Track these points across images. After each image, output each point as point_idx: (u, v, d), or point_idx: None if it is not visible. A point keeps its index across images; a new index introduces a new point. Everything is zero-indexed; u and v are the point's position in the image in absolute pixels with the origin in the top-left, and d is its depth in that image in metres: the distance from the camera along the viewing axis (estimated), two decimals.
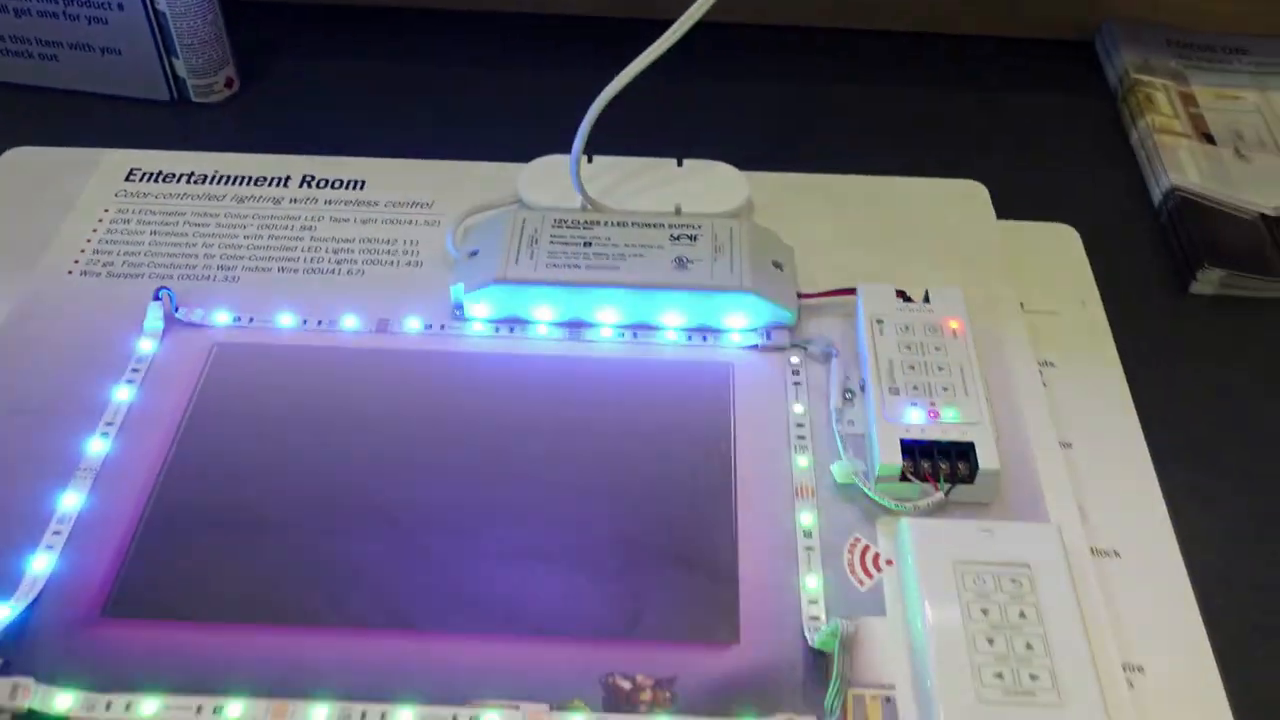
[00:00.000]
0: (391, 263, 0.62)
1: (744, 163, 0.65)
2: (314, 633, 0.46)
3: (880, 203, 0.65)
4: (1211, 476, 0.54)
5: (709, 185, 0.63)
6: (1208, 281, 0.62)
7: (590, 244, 0.58)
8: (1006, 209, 0.65)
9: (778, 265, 0.58)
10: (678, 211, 0.61)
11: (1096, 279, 0.62)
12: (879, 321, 0.55)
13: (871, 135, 0.74)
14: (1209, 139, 0.69)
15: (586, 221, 0.59)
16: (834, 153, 0.70)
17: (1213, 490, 0.53)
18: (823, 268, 0.61)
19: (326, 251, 0.62)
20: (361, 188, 0.66)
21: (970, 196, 0.65)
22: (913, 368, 0.53)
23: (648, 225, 0.59)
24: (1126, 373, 0.57)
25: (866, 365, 0.53)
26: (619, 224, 0.59)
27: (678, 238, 0.58)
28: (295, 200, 0.65)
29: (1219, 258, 0.62)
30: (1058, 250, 0.64)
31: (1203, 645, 0.47)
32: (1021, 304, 0.60)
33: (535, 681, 0.44)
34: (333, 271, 0.61)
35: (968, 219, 0.64)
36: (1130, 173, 0.70)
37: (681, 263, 0.57)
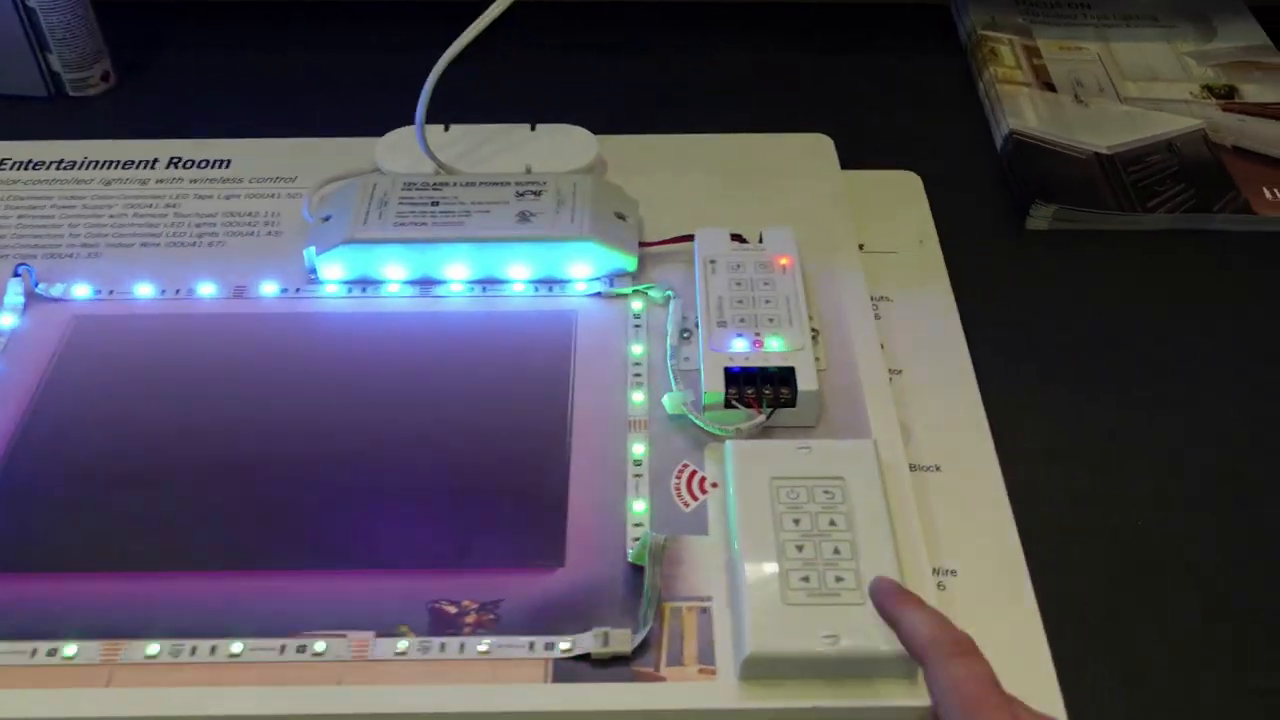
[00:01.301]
0: (252, 233, 0.63)
1: (600, 128, 0.67)
2: (152, 577, 0.47)
3: (729, 159, 0.67)
4: (1035, 396, 0.56)
5: (560, 147, 0.65)
6: (1040, 217, 0.64)
7: (438, 204, 0.60)
8: (856, 160, 0.68)
9: (621, 216, 0.60)
10: (528, 171, 0.63)
11: (938, 220, 0.64)
12: (712, 262, 0.57)
13: (730, 98, 0.76)
14: (1050, 87, 0.72)
15: (435, 184, 0.61)
16: (690, 117, 0.72)
17: (1036, 409, 0.55)
18: (672, 221, 0.63)
19: (189, 226, 0.64)
20: (227, 166, 0.68)
21: (816, 149, 0.68)
22: (741, 302, 0.55)
23: (494, 184, 0.61)
24: (961, 304, 0.59)
25: (699, 302, 0.55)
26: (466, 184, 0.61)
27: (522, 194, 0.60)
28: (162, 181, 0.67)
29: (1052, 194, 0.64)
30: (901, 196, 0.66)
31: (1015, 551, 0.49)
32: (861, 245, 0.62)
33: (363, 612, 0.46)
34: (194, 244, 0.63)
35: (813, 170, 0.66)
36: (975, 122, 0.73)
37: (525, 216, 0.59)
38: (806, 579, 0.44)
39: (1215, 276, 0.63)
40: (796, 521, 0.46)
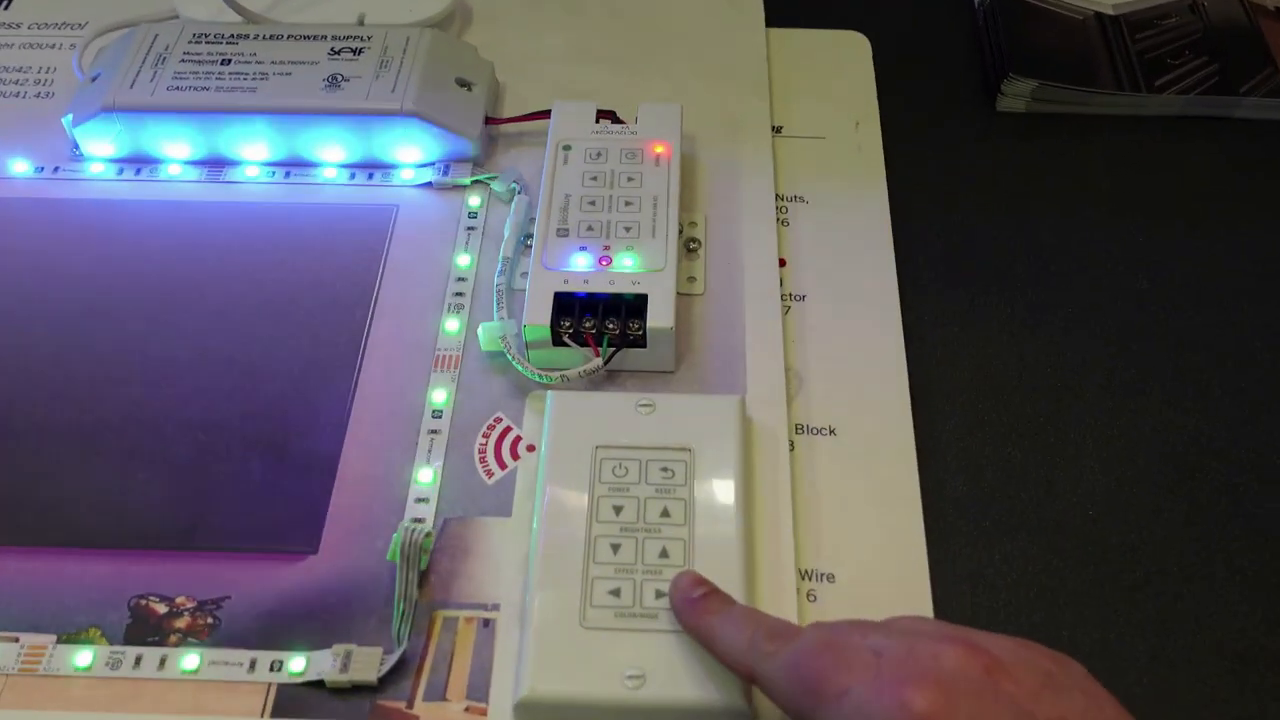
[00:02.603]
0: (18, 94, 0.51)
1: None
2: None
3: (627, 7, 0.53)
4: (973, 335, 0.43)
5: None
6: (1015, 95, 0.50)
7: (229, 61, 0.46)
8: (788, 13, 0.53)
9: (464, 84, 0.47)
10: (361, 23, 0.50)
11: (885, 97, 0.50)
12: (565, 148, 0.44)
13: None
14: None
15: (231, 35, 0.47)
16: None
17: (972, 354, 0.42)
18: (544, 89, 0.49)
19: None
20: (6, 8, 0.55)
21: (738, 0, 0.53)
22: (593, 204, 0.42)
23: (305, 38, 0.47)
24: (896, 208, 0.46)
25: (540, 201, 0.42)
26: (270, 37, 0.47)
27: (338, 51, 0.47)
28: None
29: (1032, 65, 0.50)
30: (840, 63, 0.52)
31: (917, 550, 0.37)
32: (779, 128, 0.49)
33: (47, 605, 0.35)
34: None
35: (730, 23, 0.52)
36: None
37: (334, 82, 0.46)
38: (616, 592, 0.33)
39: (1233, 180, 0.49)
40: (618, 510, 0.35)
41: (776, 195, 0.46)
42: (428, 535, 0.35)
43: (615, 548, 0.34)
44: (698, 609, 0.32)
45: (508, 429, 0.39)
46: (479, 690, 0.33)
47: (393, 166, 0.46)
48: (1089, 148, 0.49)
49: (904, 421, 0.40)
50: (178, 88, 0.46)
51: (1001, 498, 0.39)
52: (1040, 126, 0.50)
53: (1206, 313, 0.44)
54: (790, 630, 0.30)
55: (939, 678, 0.27)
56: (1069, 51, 0.51)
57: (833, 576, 0.36)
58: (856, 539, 0.37)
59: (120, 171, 0.47)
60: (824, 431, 0.39)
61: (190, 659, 0.34)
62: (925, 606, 0.35)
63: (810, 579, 0.36)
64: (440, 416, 0.39)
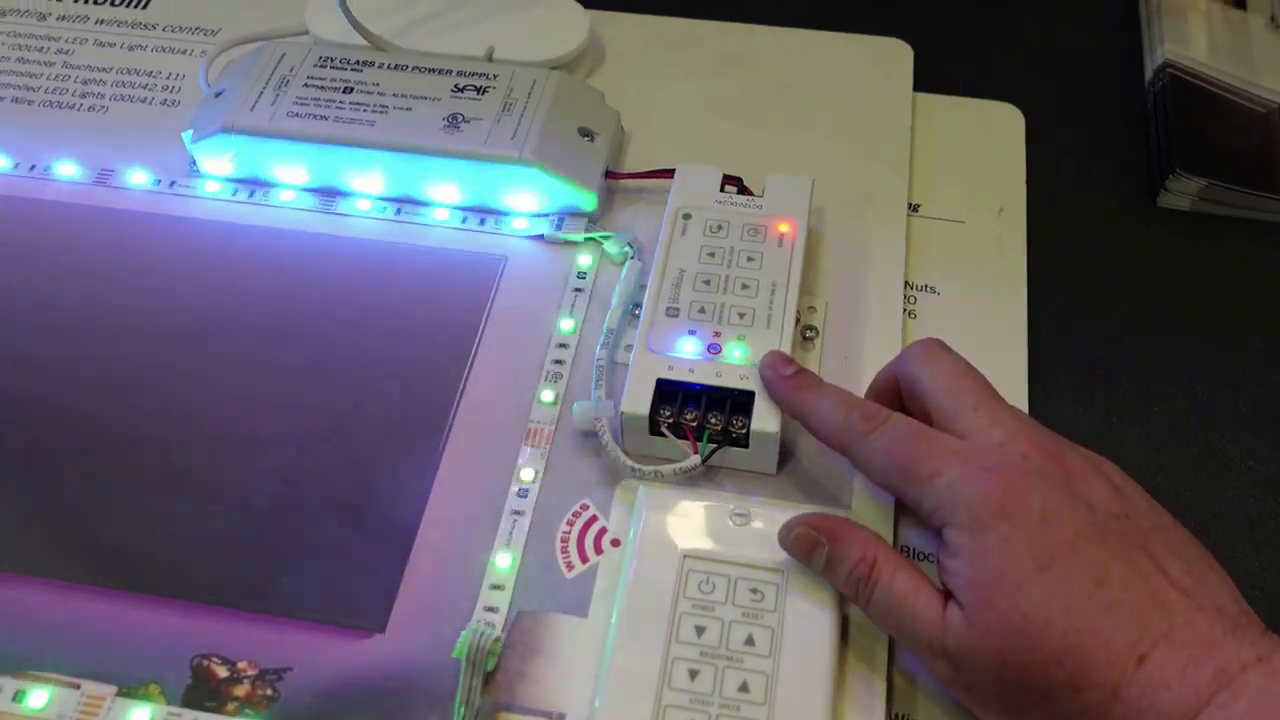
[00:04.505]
0: (145, 99, 0.50)
1: (599, 1, 0.51)
2: None
3: (767, 60, 0.50)
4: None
5: (539, 25, 0.49)
6: (1179, 193, 0.46)
7: (352, 90, 0.45)
8: (938, 82, 0.50)
9: (586, 134, 0.45)
10: (489, 57, 0.48)
11: (1034, 181, 0.47)
12: (686, 216, 0.41)
13: None
14: (1238, 3, 0.52)
15: (357, 61, 0.46)
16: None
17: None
18: (668, 142, 0.47)
19: (74, 83, 0.51)
20: (144, 7, 0.55)
21: (886, 58, 0.50)
22: (708, 282, 0.39)
23: (431, 70, 0.46)
24: (1035, 311, 0.42)
25: (653, 274, 0.40)
26: (396, 67, 0.46)
27: (462, 89, 0.45)
28: (64, 18, 0.54)
29: (1201, 162, 0.45)
30: (989, 138, 0.48)
31: None
32: (915, 206, 0.46)
33: (110, 652, 0.34)
34: (73, 106, 0.50)
35: (875, 87, 0.49)
36: (1122, 46, 0.53)
37: (454, 122, 0.44)
38: None
39: None
40: (700, 631, 0.32)
41: (905, 283, 0.43)
42: (496, 640, 0.33)
43: (693, 674, 0.32)
44: (792, 385, 0.36)
45: (593, 518, 0.37)
46: None
47: (505, 214, 0.45)
48: (1260, 258, 0.45)
49: None
50: (297, 114, 0.45)
51: None
52: (1204, 229, 0.46)
53: None
54: (883, 413, 0.34)
55: (1023, 469, 0.30)
56: (1245, 148, 0.46)
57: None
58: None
59: (234, 192, 0.46)
60: (931, 558, 0.37)
61: None
62: None
63: None
64: (525, 496, 0.37)
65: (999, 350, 0.41)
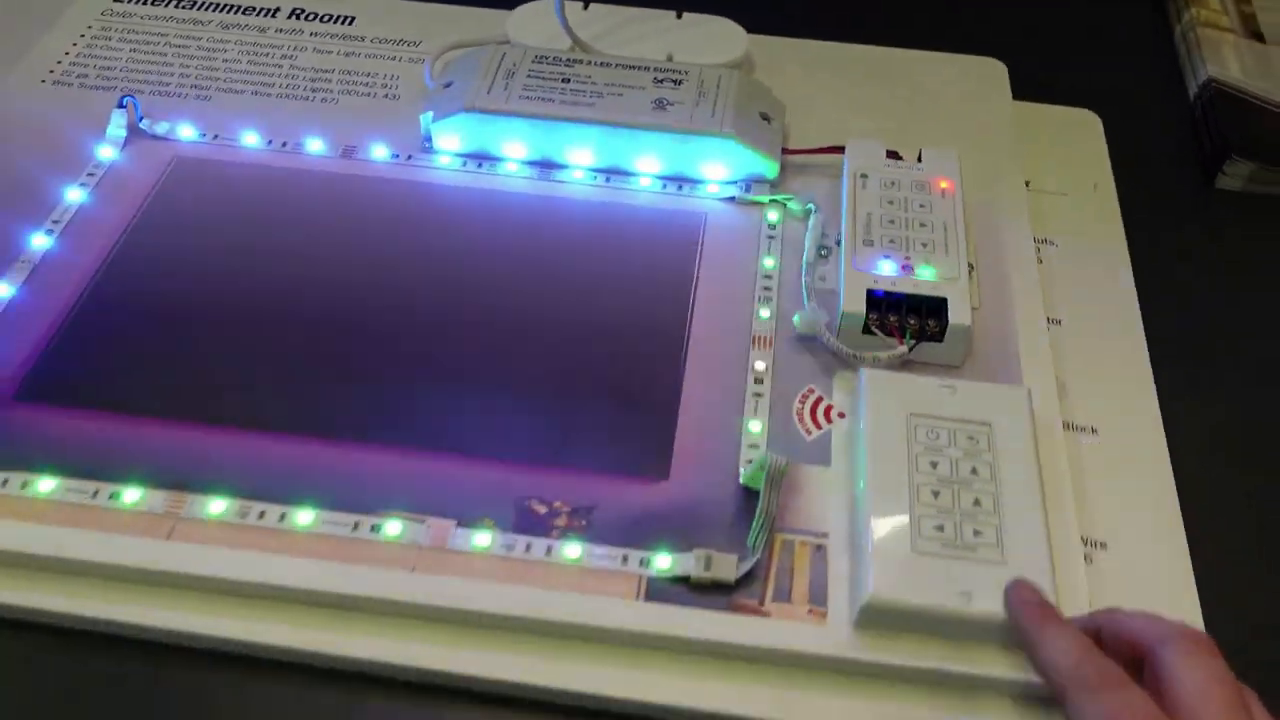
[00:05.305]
0: (369, 94, 0.59)
1: (752, 25, 0.61)
2: (224, 432, 0.44)
3: (889, 74, 0.61)
4: (1208, 372, 0.50)
5: (706, 38, 0.60)
6: (1236, 175, 0.57)
7: (569, 80, 0.55)
8: (1030, 95, 0.61)
9: (765, 118, 0.55)
10: (669, 59, 0.58)
11: (1116, 168, 0.58)
12: (863, 176, 0.51)
13: (899, 9, 0.69)
14: (1258, 37, 0.64)
15: (569, 59, 0.56)
16: (849, 22, 0.66)
17: (1207, 388, 0.49)
18: (818, 134, 0.57)
19: (304, 80, 0.60)
20: (350, 23, 0.64)
21: (987, 75, 0.61)
22: (892, 222, 0.49)
23: (632, 67, 0.56)
24: (1135, 262, 0.53)
25: (844, 217, 0.50)
26: (602, 64, 0.56)
27: (661, 81, 0.55)
28: (281, 30, 0.63)
29: (1251, 150, 0.57)
30: (1076, 136, 0.59)
31: (1177, 532, 0.43)
32: (1027, 183, 0.56)
33: (445, 498, 0.42)
34: (307, 99, 0.59)
35: (981, 97, 0.60)
36: (1166, 69, 0.65)
37: (661, 104, 0.54)
38: (941, 528, 0.39)
39: None
40: (934, 465, 0.41)
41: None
42: (786, 463, 0.41)
43: (935, 494, 0.40)
44: (1035, 613, 0.36)
45: (820, 398, 0.45)
46: (818, 597, 0.39)
47: (699, 181, 0.54)
48: None
49: (1156, 429, 0.46)
50: (526, 97, 0.54)
51: (1242, 504, 0.45)
52: (1255, 205, 0.57)
53: None
54: (1118, 677, 0.33)
55: None
56: None
57: (1105, 545, 0.42)
58: (1123, 517, 0.43)
59: (464, 164, 0.55)
60: (1087, 430, 0.46)
61: (573, 549, 0.40)
62: (1184, 575, 0.41)
63: (1087, 544, 0.42)
64: (761, 383, 0.46)
65: (1112, 284, 0.52)
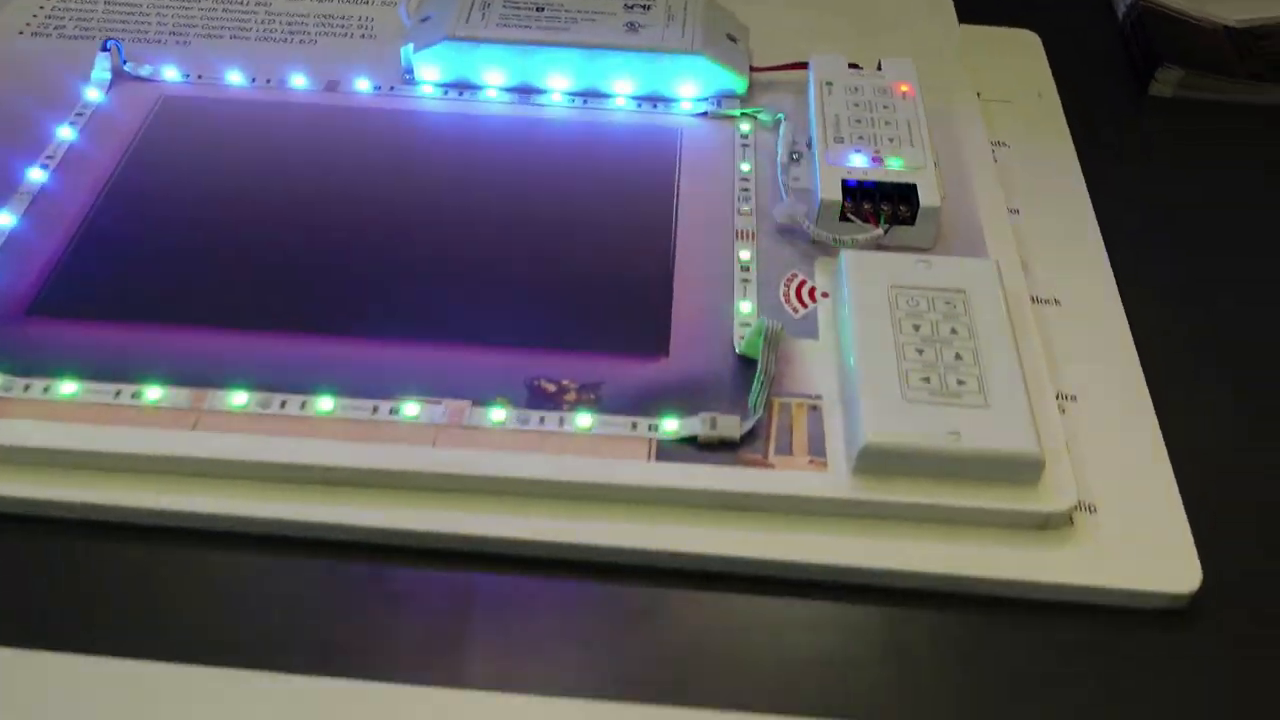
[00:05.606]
0: (345, 34, 0.61)
1: None
2: (240, 334, 0.46)
3: (840, 2, 0.65)
4: (1157, 249, 0.54)
5: None
6: (1166, 81, 0.61)
7: (543, 9, 0.57)
8: (973, 17, 0.65)
9: (732, 38, 0.58)
10: None
11: (1057, 80, 0.62)
12: (829, 83, 0.54)
13: None
14: None
15: None
16: None
17: (1155, 261, 0.53)
18: (779, 54, 0.60)
19: (280, 23, 0.61)
20: None
21: (932, 1, 0.65)
22: (859, 121, 0.52)
23: None
24: (1081, 159, 0.57)
25: (814, 120, 0.53)
26: None
27: (631, 6, 0.58)
28: None
29: (1180, 59, 0.61)
30: (1018, 53, 0.63)
31: (1139, 384, 0.46)
32: (978, 93, 0.60)
33: (458, 383, 0.44)
34: (285, 40, 0.60)
35: (929, 20, 0.64)
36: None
37: (633, 27, 0.56)
38: (926, 379, 0.42)
39: None
40: (916, 327, 0.44)
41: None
42: (782, 326, 0.44)
43: (920, 351, 0.43)
44: None
45: (804, 280, 0.48)
46: (817, 449, 0.42)
47: (672, 100, 0.57)
48: (1227, 125, 0.61)
49: (1114, 299, 0.50)
50: (504, 25, 0.56)
51: (1198, 353, 0.49)
52: (1185, 108, 0.62)
53: None
54: None
55: None
56: (1208, 50, 0.62)
57: (1074, 397, 0.46)
58: (1089, 373, 0.46)
59: (445, 93, 0.57)
60: (1050, 301, 0.49)
61: (584, 419, 0.43)
62: (1148, 420, 0.45)
63: (1059, 398, 0.45)
64: (748, 270, 0.49)
65: (1064, 178, 0.55)
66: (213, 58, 0.59)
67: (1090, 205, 0.54)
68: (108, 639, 0.38)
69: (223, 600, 0.40)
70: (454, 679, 0.38)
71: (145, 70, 0.57)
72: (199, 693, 0.37)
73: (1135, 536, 0.41)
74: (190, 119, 0.56)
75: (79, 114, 0.55)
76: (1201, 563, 0.40)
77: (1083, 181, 0.55)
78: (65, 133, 0.54)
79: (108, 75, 0.57)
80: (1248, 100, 0.61)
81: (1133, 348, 0.48)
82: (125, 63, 0.57)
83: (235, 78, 0.57)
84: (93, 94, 0.56)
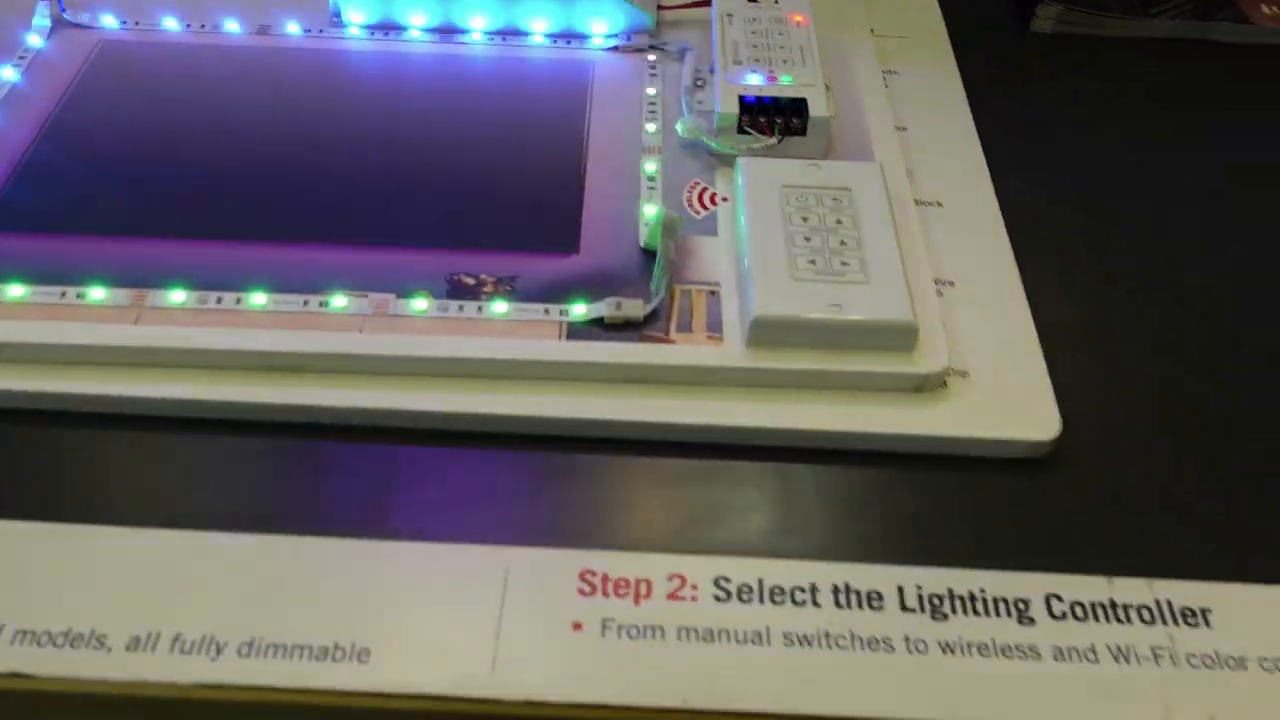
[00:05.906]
0: None
1: None
2: (175, 242, 0.49)
3: None
4: (1033, 163, 0.58)
5: None
6: (1046, 18, 0.66)
7: None
8: None
9: None
10: None
11: (946, 19, 0.66)
12: (729, 15, 0.59)
13: None
14: None
15: None
16: None
17: (1032, 167, 0.58)
18: None
19: None
20: None
21: None
22: (756, 47, 0.57)
23: None
24: (967, 85, 0.61)
25: (715, 48, 0.57)
26: None
27: None
28: None
29: None
30: None
31: (1012, 271, 0.51)
32: (872, 29, 0.64)
33: (384, 279, 0.47)
34: None
35: None
36: None
37: None
38: (813, 262, 0.46)
39: (1211, 87, 0.65)
40: (805, 219, 0.48)
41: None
42: (681, 217, 0.48)
43: (807, 239, 0.47)
44: None
45: (705, 187, 0.52)
46: (715, 328, 0.46)
47: (585, 36, 0.61)
48: (1106, 56, 0.66)
49: (990, 202, 0.54)
50: None
51: (1070, 251, 0.53)
52: (1065, 44, 0.67)
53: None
54: None
55: None
56: None
57: (952, 283, 0.50)
58: (966, 262, 0.51)
59: (371, 34, 0.61)
60: (933, 204, 0.53)
61: (500, 306, 0.46)
62: (1019, 302, 0.49)
63: (938, 284, 0.49)
64: (654, 180, 0.52)
65: (950, 101, 0.60)
66: (149, 5, 0.62)
67: (973, 123, 0.59)
68: (61, 510, 0.41)
69: (170, 476, 0.43)
70: (383, 535, 0.41)
71: (84, 17, 0.60)
72: (151, 554, 0.40)
73: (1003, 395, 0.45)
74: (128, 63, 0.59)
75: (21, 57, 0.58)
76: (1062, 417, 0.44)
77: (966, 104, 0.60)
78: (8, 73, 0.57)
79: (48, 22, 0.60)
80: (1124, 35, 0.66)
81: (1007, 242, 0.52)
82: (64, 10, 0.60)
83: (171, 23, 0.61)
84: (34, 39, 0.59)
